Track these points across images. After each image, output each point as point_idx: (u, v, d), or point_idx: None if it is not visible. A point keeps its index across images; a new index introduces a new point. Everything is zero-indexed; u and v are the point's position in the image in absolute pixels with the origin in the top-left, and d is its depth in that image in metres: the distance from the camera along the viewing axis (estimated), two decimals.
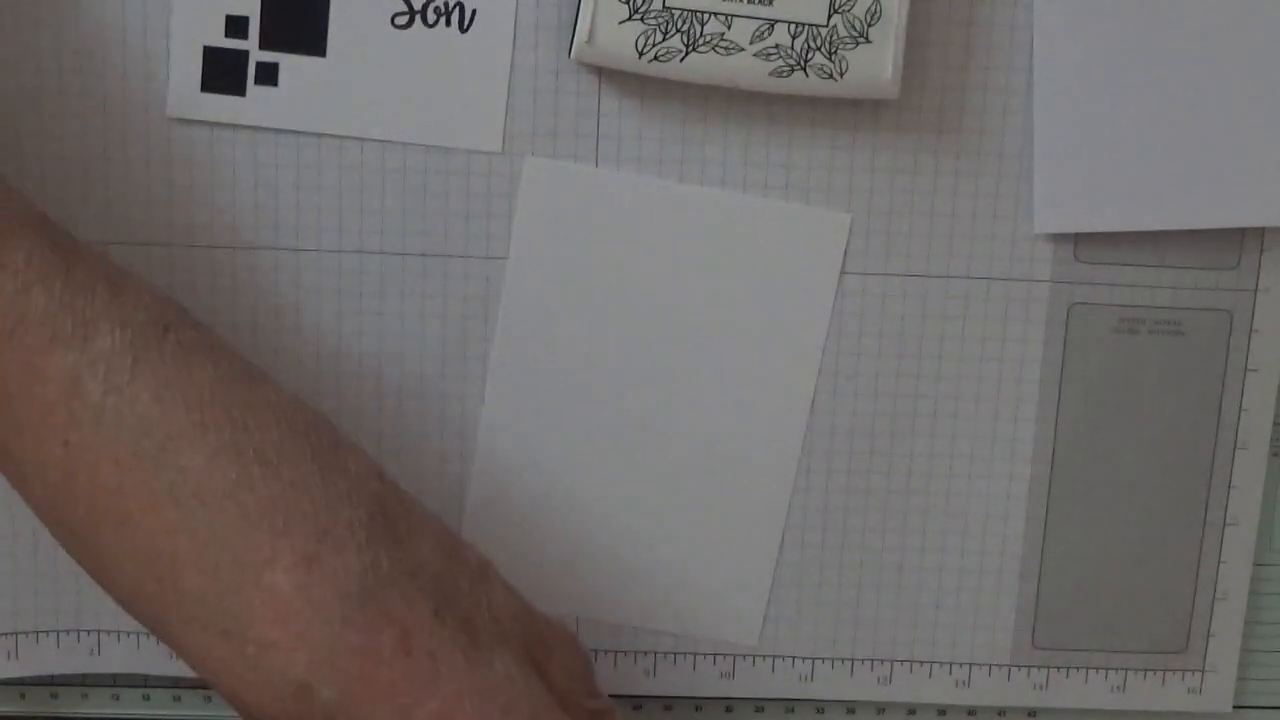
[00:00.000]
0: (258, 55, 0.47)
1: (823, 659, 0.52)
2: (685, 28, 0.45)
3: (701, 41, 0.46)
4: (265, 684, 0.39)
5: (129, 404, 0.39)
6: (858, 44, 0.46)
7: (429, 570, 0.40)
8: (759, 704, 0.53)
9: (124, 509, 0.39)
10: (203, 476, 0.39)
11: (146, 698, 0.52)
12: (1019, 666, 0.52)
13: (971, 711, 0.53)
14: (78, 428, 0.39)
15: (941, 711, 0.53)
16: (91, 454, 0.39)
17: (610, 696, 0.52)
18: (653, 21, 0.45)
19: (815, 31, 0.46)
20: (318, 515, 0.39)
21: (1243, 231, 0.50)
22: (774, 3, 0.45)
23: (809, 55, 0.46)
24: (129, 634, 0.50)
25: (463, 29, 0.47)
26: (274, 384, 0.41)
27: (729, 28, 0.46)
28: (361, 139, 0.48)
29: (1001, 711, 0.53)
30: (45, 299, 0.39)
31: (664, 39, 0.46)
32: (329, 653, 0.38)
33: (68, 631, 0.50)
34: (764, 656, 0.52)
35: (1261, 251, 0.50)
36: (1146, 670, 0.52)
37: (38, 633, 0.50)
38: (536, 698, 0.41)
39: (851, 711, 0.53)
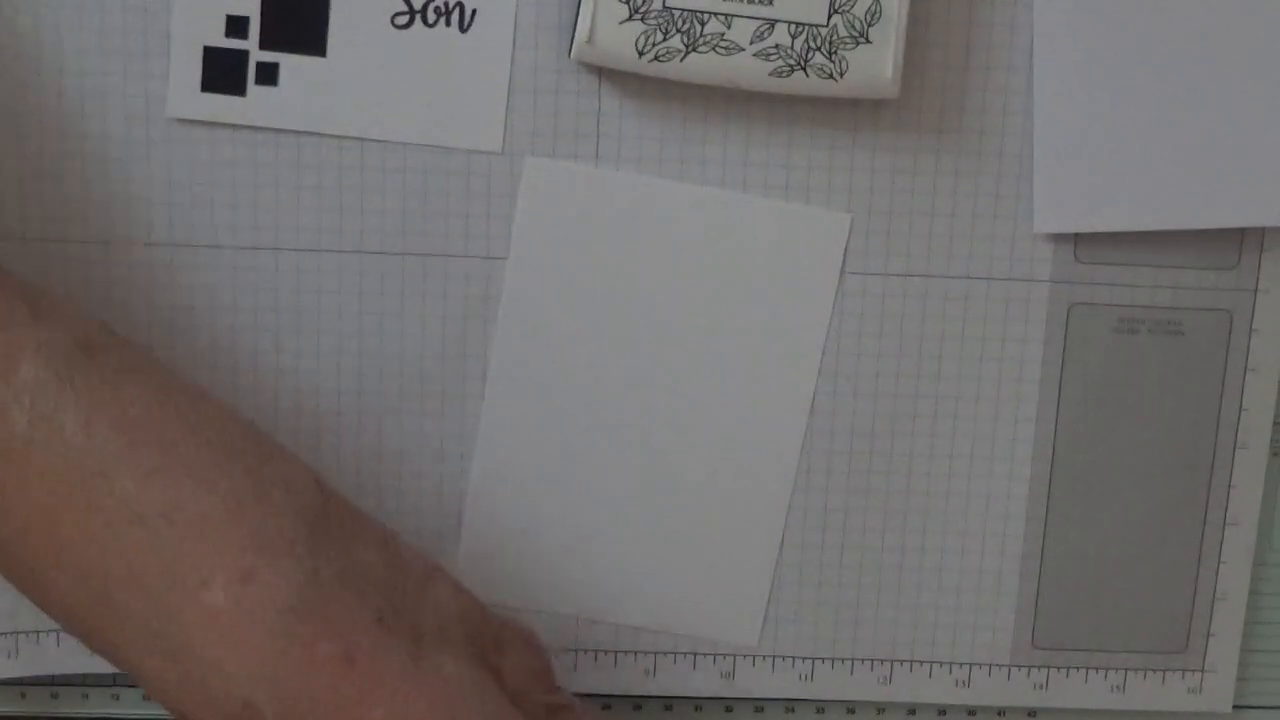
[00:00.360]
0: (258, 55, 0.47)
1: (823, 659, 0.52)
2: (685, 28, 0.45)
3: (701, 41, 0.46)
4: (209, 702, 0.38)
5: (57, 432, 0.38)
6: (858, 44, 0.46)
7: (371, 577, 0.40)
8: (759, 704, 0.53)
9: (60, 536, 0.39)
10: (136, 501, 0.38)
11: (147, 698, 0.52)
12: (1019, 666, 0.52)
13: (971, 711, 0.53)
14: (7, 458, 0.38)
15: (941, 711, 0.53)
16: (23, 483, 0.38)
17: (610, 696, 0.52)
18: (653, 21, 0.45)
19: (815, 31, 0.46)
20: (252, 531, 0.39)
21: (1243, 231, 0.50)
22: (774, 3, 0.45)
23: (809, 55, 0.46)
24: None
25: (463, 29, 0.47)
26: (206, 399, 0.41)
27: (729, 28, 0.46)
28: (361, 139, 0.48)
29: (1001, 711, 0.53)
30: None
31: (664, 39, 0.46)
32: (271, 668, 0.38)
33: None
34: (764, 656, 0.52)
35: (1261, 251, 0.50)
36: (1146, 670, 0.52)
37: (38, 632, 0.50)
38: (489, 699, 0.40)
39: (851, 711, 0.53)
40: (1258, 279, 0.50)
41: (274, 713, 0.38)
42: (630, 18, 0.45)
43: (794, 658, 0.52)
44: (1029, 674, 0.52)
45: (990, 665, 0.52)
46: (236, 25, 0.47)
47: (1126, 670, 0.52)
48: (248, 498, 0.39)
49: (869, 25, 0.46)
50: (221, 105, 0.47)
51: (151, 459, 0.39)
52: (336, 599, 0.39)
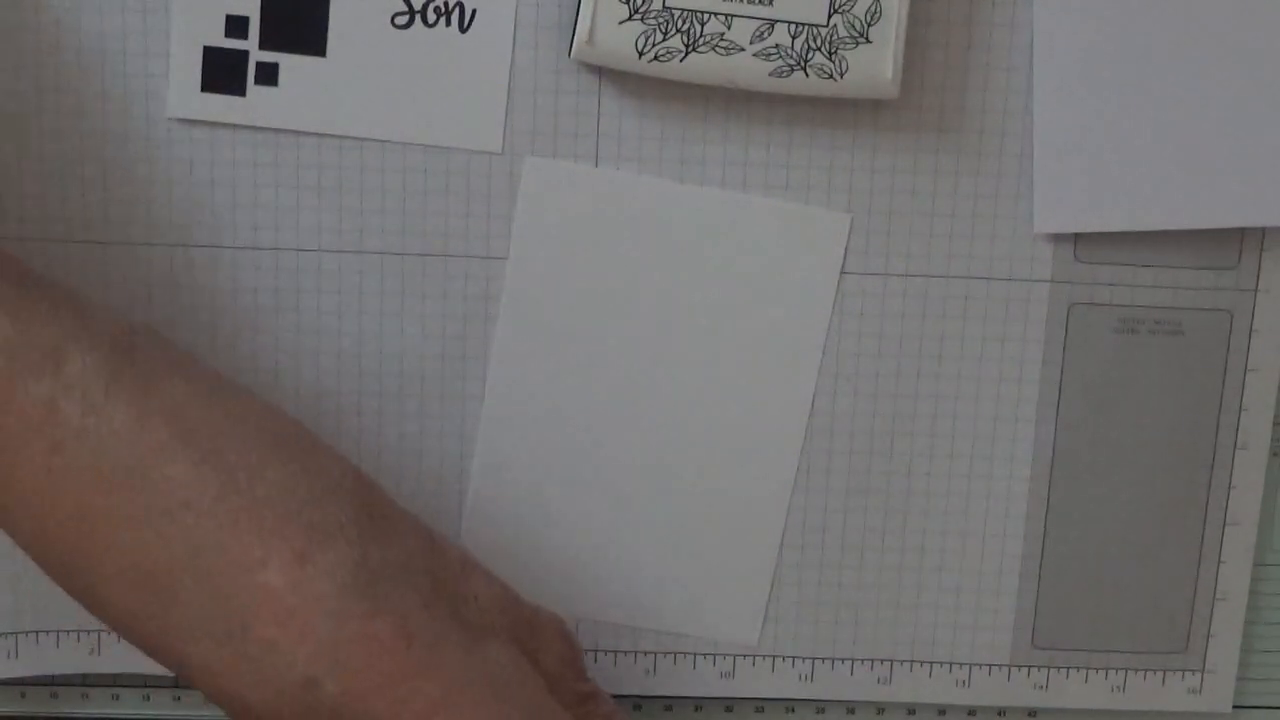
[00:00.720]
0: (258, 55, 0.47)
1: (823, 659, 0.52)
2: (685, 28, 0.45)
3: (701, 41, 0.46)
4: (269, 683, 0.39)
5: (108, 423, 0.39)
6: (858, 44, 0.46)
7: (416, 564, 0.41)
8: (759, 704, 0.53)
9: (112, 530, 0.39)
10: (189, 486, 0.39)
11: (146, 698, 0.52)
12: (1019, 666, 0.52)
13: (971, 711, 0.53)
14: (59, 452, 0.39)
15: (941, 711, 0.53)
16: (75, 476, 0.39)
17: (610, 696, 0.52)
18: (653, 21, 0.45)
19: (815, 31, 0.46)
20: (304, 513, 0.39)
21: (1243, 231, 0.50)
22: (774, 3, 0.45)
23: (809, 55, 0.46)
24: None
25: (463, 29, 0.47)
26: (248, 394, 0.42)
27: (729, 28, 0.46)
28: (361, 139, 0.48)
29: (1001, 711, 0.53)
30: (12, 330, 0.39)
31: (664, 39, 0.46)
32: (330, 646, 0.39)
33: (68, 631, 0.50)
34: (764, 656, 0.52)
35: (1261, 251, 0.50)
36: (1146, 670, 0.52)
37: (38, 633, 0.50)
38: (529, 682, 0.41)
39: (851, 711, 0.53)
40: (1258, 279, 0.50)
41: (333, 689, 0.39)
42: (630, 18, 0.45)
43: (794, 658, 0.52)
44: (1029, 674, 0.52)
45: (990, 665, 0.52)
46: (236, 25, 0.47)
47: (1126, 670, 0.52)
48: (297, 483, 0.40)
49: (869, 25, 0.46)
50: (221, 105, 0.47)
51: (202, 448, 0.39)
52: (389, 581, 0.40)
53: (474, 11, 0.47)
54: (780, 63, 0.46)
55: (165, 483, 0.39)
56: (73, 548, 0.40)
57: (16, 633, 0.50)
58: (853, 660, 0.52)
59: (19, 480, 0.39)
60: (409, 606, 0.40)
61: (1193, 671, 0.53)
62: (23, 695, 0.52)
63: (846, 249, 0.49)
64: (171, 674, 0.51)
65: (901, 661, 0.52)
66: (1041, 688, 0.52)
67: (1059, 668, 0.52)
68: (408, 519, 0.42)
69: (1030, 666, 0.52)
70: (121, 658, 0.51)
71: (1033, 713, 0.53)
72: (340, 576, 0.39)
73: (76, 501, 0.39)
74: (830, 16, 0.46)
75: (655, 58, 0.46)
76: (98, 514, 0.39)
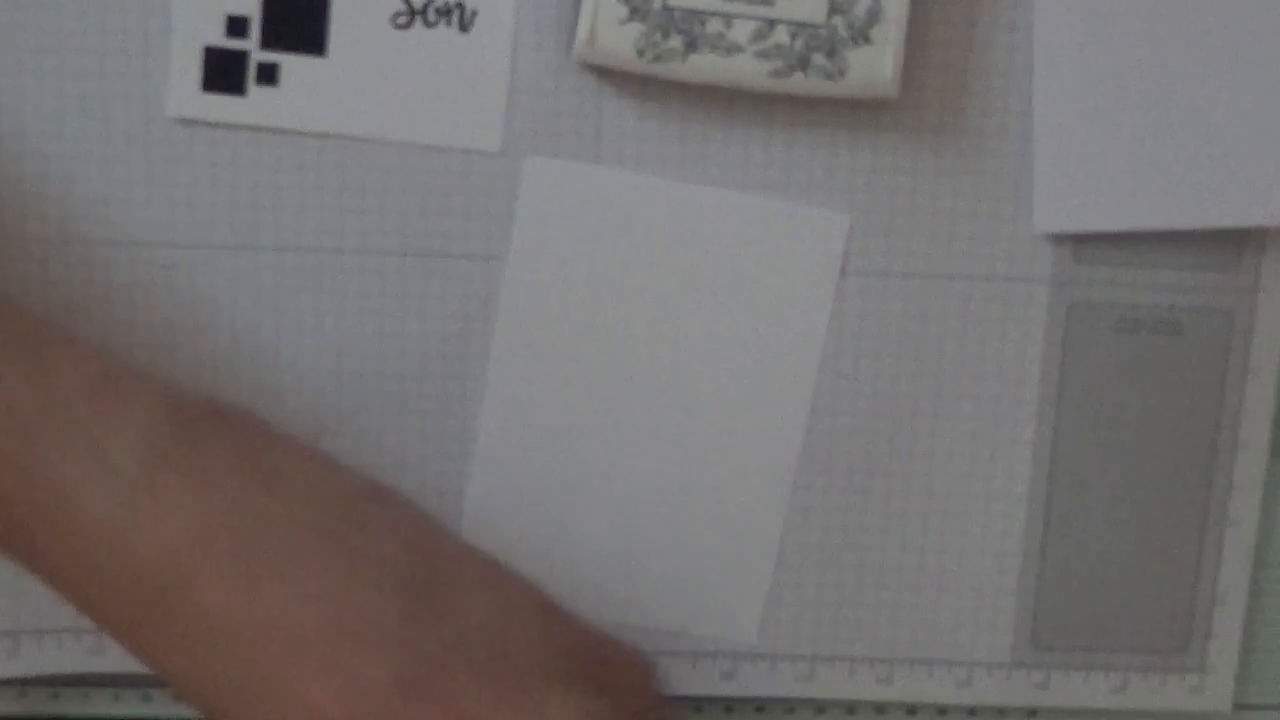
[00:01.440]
0: (258, 55, 0.47)
1: (823, 659, 0.52)
2: (685, 28, 0.45)
3: (701, 41, 0.46)
4: None
5: (137, 532, 0.39)
6: (858, 44, 0.46)
7: (473, 633, 0.40)
8: (759, 704, 0.53)
9: (143, 641, 0.39)
10: (220, 612, 0.39)
11: (147, 698, 0.52)
12: (1019, 666, 0.52)
13: (971, 711, 0.53)
14: (82, 560, 0.39)
15: (941, 711, 0.53)
16: (110, 590, 0.39)
17: None
18: (653, 21, 0.45)
19: (815, 31, 0.46)
20: (345, 623, 0.39)
21: (1243, 231, 0.50)
22: (774, 3, 0.45)
23: (809, 55, 0.46)
24: None
25: (463, 29, 0.47)
26: (295, 462, 0.41)
27: (729, 28, 0.46)
28: (361, 139, 0.48)
29: (1001, 711, 0.53)
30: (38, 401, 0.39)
31: (664, 39, 0.46)
32: None
33: (68, 631, 0.50)
34: (764, 656, 0.52)
35: (1262, 251, 0.50)
36: (1146, 670, 0.52)
37: (39, 632, 0.50)
38: None
39: (851, 711, 0.53)
40: (1258, 279, 0.50)
41: None
42: (630, 18, 0.45)
43: (794, 657, 0.52)
44: (1029, 674, 0.52)
45: (990, 665, 0.52)
46: (236, 25, 0.47)
47: (1127, 670, 0.52)
48: (337, 586, 0.39)
49: (869, 25, 0.46)
50: (221, 105, 0.47)
51: (236, 566, 0.39)
52: (435, 667, 0.39)
53: (474, 11, 0.47)
54: (780, 63, 0.46)
55: (193, 609, 0.39)
56: (131, 649, 0.40)
57: (17, 632, 0.50)
58: (853, 660, 0.52)
59: (57, 577, 0.40)
60: (458, 685, 0.39)
61: (1193, 671, 0.53)
62: (23, 695, 0.52)
63: (846, 249, 0.49)
64: None
65: (901, 661, 0.52)
66: (1041, 687, 0.52)
67: (1059, 667, 0.52)
68: (470, 567, 0.42)
69: (1030, 666, 0.52)
70: (122, 658, 0.51)
71: (1033, 712, 0.53)
72: (382, 680, 0.39)
73: (121, 619, 0.39)
74: (830, 16, 0.46)
75: (655, 58, 0.46)
76: (143, 633, 0.39)
